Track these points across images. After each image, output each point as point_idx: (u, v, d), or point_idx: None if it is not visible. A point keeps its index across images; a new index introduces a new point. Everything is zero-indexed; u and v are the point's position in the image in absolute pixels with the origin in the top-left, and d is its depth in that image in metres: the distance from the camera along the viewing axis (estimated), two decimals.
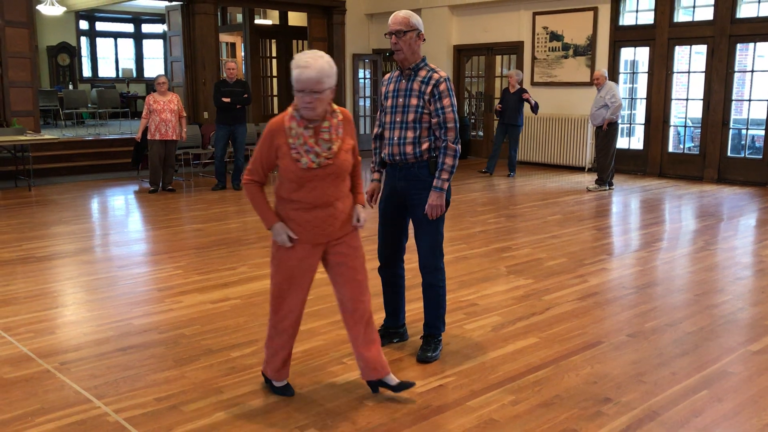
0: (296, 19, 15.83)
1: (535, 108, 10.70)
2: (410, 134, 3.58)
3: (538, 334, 4.13)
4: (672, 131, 11.08)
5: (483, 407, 3.20)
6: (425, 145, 3.59)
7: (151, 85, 17.04)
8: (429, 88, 3.54)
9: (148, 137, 9.29)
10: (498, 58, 13.15)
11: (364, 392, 3.33)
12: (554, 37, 11.98)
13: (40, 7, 13.19)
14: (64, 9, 14.49)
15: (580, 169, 11.72)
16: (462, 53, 13.48)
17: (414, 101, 3.57)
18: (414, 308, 4.28)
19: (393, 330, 3.98)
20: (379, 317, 4.19)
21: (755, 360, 3.76)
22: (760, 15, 9.86)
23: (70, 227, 7.23)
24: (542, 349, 3.91)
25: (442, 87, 3.54)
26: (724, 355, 3.84)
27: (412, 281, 4.12)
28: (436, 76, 3.56)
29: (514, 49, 12.66)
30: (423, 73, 3.60)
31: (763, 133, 10.09)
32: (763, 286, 5.20)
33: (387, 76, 3.80)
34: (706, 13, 10.36)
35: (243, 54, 15.55)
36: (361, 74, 14.91)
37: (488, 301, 4.78)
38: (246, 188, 3.13)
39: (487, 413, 3.14)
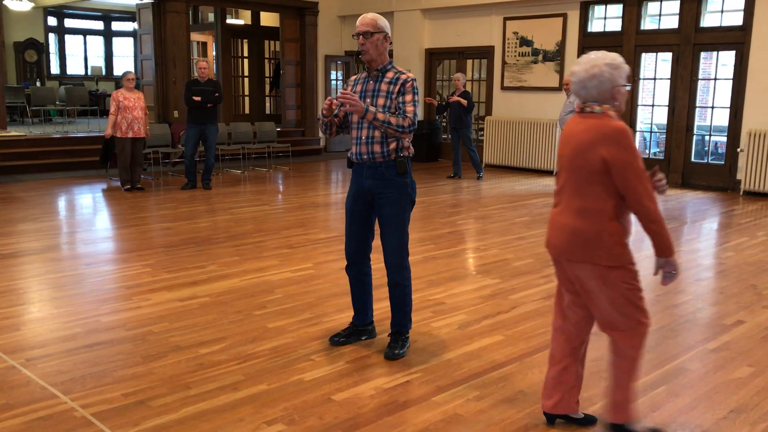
0: (268, 19, 15.81)
1: (469, 107, 10.78)
2: (377, 133, 3.65)
3: (504, 332, 4.21)
4: (638, 136, 11.30)
5: (448, 402, 3.26)
6: (393, 145, 3.66)
7: (120, 84, 16.86)
8: (397, 88, 3.64)
9: (119, 135, 9.19)
10: (469, 62, 13.28)
11: (331, 388, 3.38)
12: (524, 42, 12.14)
13: (7, 2, 13.00)
14: (32, 4, 14.30)
15: (548, 173, 11.88)
16: (434, 56, 13.58)
17: (381, 101, 3.64)
18: (382, 306, 4.33)
19: (361, 328, 4.02)
20: (347, 315, 4.24)
21: (712, 357, 3.89)
22: (723, 24, 10.11)
23: (36, 225, 7.15)
24: (507, 346, 3.99)
25: (408, 85, 3.66)
26: (683, 352, 3.95)
27: (381, 280, 4.17)
28: (403, 77, 3.67)
29: (484, 53, 12.79)
30: (390, 74, 3.68)
31: (725, 139, 10.34)
32: (722, 287, 5.35)
33: (353, 77, 3.87)
34: (671, 22, 10.59)
35: (214, 53, 15.49)
36: (333, 75, 14.93)
37: (455, 299, 4.85)
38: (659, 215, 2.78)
39: (451, 408, 3.20)
